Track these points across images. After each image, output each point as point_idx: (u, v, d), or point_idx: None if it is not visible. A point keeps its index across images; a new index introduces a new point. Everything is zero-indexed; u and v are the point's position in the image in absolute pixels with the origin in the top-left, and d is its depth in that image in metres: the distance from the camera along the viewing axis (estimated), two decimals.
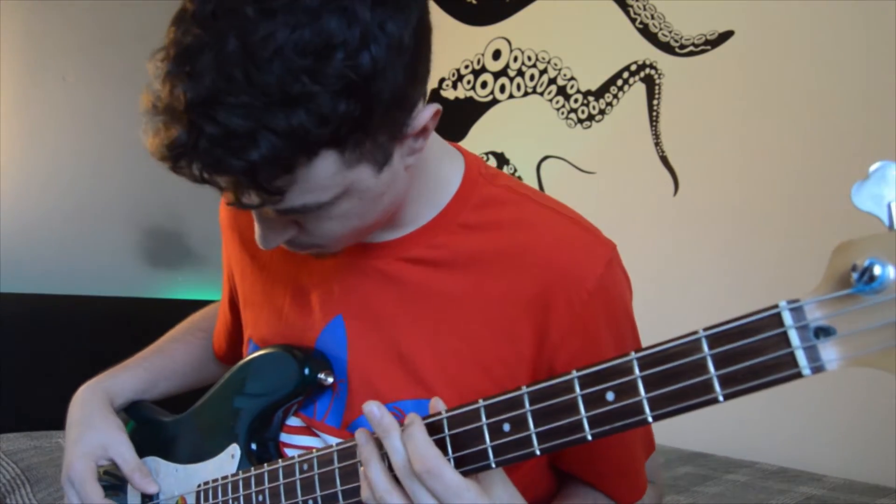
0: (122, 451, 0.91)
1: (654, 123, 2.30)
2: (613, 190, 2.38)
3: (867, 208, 0.45)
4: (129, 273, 2.63)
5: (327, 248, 0.73)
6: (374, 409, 0.64)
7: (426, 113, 0.66)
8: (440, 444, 0.63)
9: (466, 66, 2.84)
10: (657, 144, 2.29)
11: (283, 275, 0.88)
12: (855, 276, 0.43)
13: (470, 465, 0.62)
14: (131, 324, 2.25)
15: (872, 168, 0.45)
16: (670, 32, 2.26)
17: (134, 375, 1.01)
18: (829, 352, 0.45)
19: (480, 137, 2.78)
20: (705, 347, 0.50)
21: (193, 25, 0.57)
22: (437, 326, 0.76)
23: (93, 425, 0.93)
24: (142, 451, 0.97)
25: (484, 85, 2.79)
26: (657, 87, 2.30)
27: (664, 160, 2.27)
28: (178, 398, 1.07)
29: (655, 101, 2.30)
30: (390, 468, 0.64)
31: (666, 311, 1.85)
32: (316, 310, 0.83)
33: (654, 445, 0.86)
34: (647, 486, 0.83)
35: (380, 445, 0.65)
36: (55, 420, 2.01)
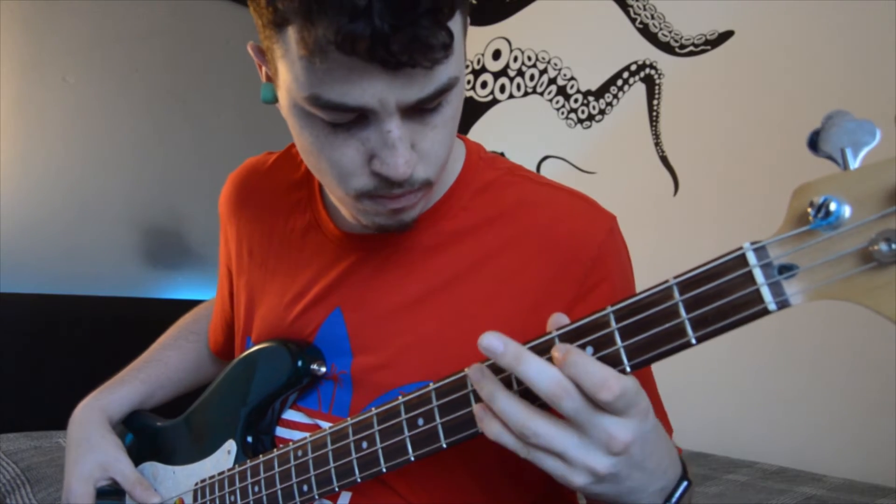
0: (122, 468, 0.92)
1: (654, 123, 2.30)
2: (613, 190, 2.38)
3: (823, 154, 0.48)
4: (129, 273, 2.63)
5: (432, 181, 0.71)
6: (492, 342, 0.55)
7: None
8: (429, 415, 0.64)
9: (466, 66, 2.84)
10: (657, 144, 2.29)
11: (279, 271, 0.88)
12: (812, 212, 0.47)
13: (460, 433, 0.63)
14: (131, 324, 2.25)
15: (826, 117, 0.48)
16: (670, 32, 2.26)
17: (131, 389, 1.01)
18: (792, 286, 0.48)
19: (480, 137, 2.78)
20: (676, 294, 0.52)
21: None
22: (440, 309, 0.77)
23: (91, 446, 0.93)
24: (139, 458, 0.97)
25: (484, 85, 2.79)
26: (657, 87, 2.30)
27: (664, 160, 2.27)
28: (175, 400, 1.07)
29: (655, 101, 2.30)
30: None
31: None
32: (314, 304, 0.84)
33: (671, 429, 0.87)
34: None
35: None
36: (55, 420, 2.03)
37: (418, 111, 0.65)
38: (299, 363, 0.81)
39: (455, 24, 0.62)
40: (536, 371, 0.54)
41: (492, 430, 0.58)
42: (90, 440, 0.94)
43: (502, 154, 2.77)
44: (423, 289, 0.78)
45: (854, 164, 0.46)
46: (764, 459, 1.92)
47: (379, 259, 0.80)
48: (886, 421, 1.73)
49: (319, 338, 0.83)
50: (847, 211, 0.45)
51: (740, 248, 0.50)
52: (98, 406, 0.98)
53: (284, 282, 0.87)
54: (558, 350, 0.55)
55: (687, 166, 2.23)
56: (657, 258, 2.20)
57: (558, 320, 0.59)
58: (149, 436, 0.99)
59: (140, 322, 1.98)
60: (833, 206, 0.45)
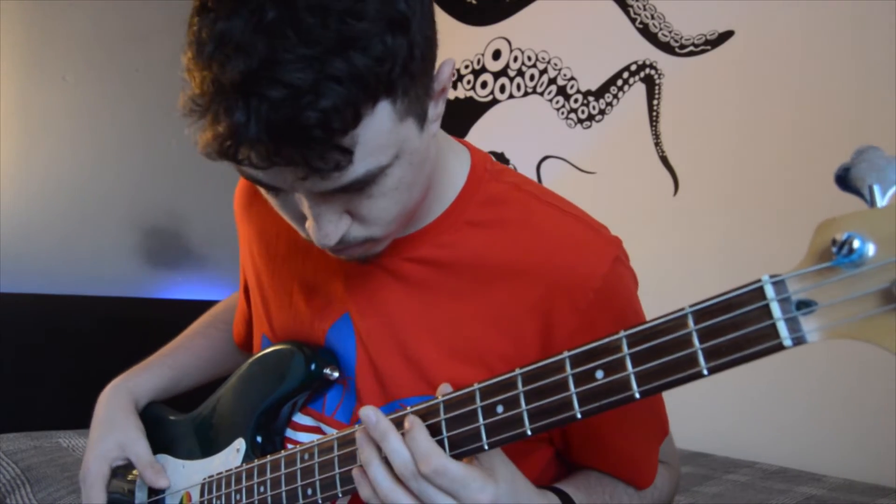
0: (138, 449, 0.94)
1: (654, 123, 2.30)
2: (613, 190, 2.38)
3: (851, 189, 0.46)
4: (129, 273, 2.63)
5: (378, 238, 0.70)
6: (369, 414, 0.65)
7: (446, 68, 0.68)
8: (435, 428, 0.65)
9: (466, 66, 2.84)
10: (657, 144, 2.29)
11: (292, 272, 0.88)
12: (834, 249, 0.45)
13: (464, 447, 0.63)
14: (131, 324, 2.26)
15: (856, 152, 0.46)
16: (670, 32, 2.26)
17: (159, 375, 1.02)
18: (810, 323, 0.47)
19: (480, 137, 2.78)
20: (691, 322, 0.52)
21: (221, 6, 0.56)
22: (442, 325, 0.77)
23: (113, 426, 0.95)
24: (151, 449, 0.98)
25: (484, 85, 2.79)
26: (657, 87, 2.30)
27: (664, 160, 2.27)
28: (194, 392, 1.08)
29: (655, 101, 2.30)
30: (391, 468, 0.65)
31: (665, 311, 1.84)
32: (324, 307, 0.84)
33: (667, 430, 0.86)
34: (657, 470, 0.83)
35: (378, 447, 0.66)
36: (55, 420, 2.03)
37: (344, 189, 0.63)
38: (313, 366, 0.82)
39: (375, 122, 0.59)
40: (392, 450, 0.63)
41: (363, 493, 0.66)
42: (113, 421, 0.95)
43: (502, 154, 2.78)
44: (426, 304, 0.77)
45: (882, 202, 0.45)
46: (764, 459, 1.92)
47: (384, 267, 0.80)
48: (886, 421, 1.73)
49: (328, 342, 0.84)
50: (871, 249, 0.44)
51: (759, 281, 0.48)
52: (126, 388, 0.99)
53: (293, 282, 0.87)
54: (408, 421, 0.64)
55: (687, 166, 2.23)
56: (657, 258, 2.20)
57: (442, 389, 0.66)
58: (162, 428, 1.00)
59: (140, 322, 1.98)
60: (857, 244, 0.44)
